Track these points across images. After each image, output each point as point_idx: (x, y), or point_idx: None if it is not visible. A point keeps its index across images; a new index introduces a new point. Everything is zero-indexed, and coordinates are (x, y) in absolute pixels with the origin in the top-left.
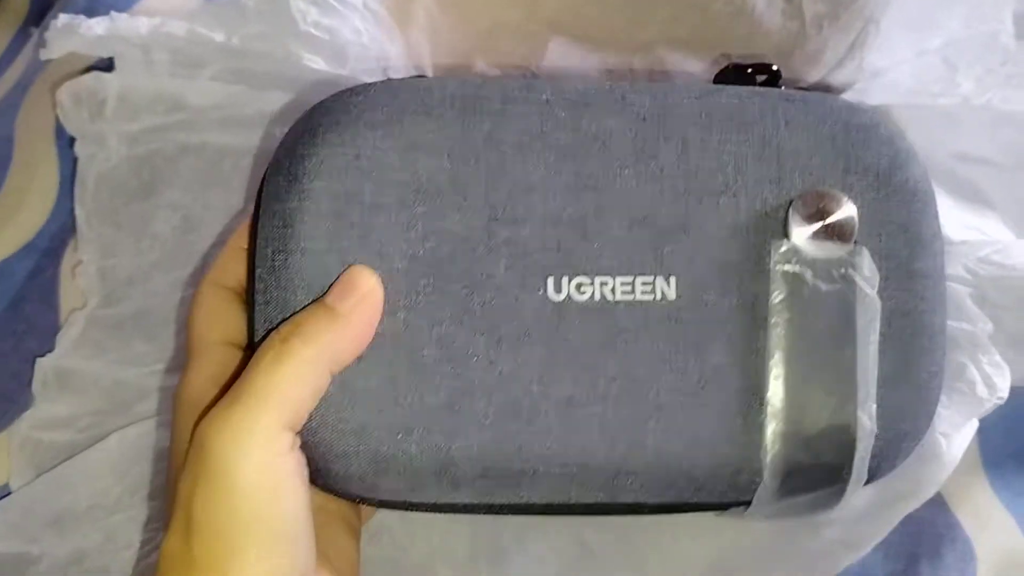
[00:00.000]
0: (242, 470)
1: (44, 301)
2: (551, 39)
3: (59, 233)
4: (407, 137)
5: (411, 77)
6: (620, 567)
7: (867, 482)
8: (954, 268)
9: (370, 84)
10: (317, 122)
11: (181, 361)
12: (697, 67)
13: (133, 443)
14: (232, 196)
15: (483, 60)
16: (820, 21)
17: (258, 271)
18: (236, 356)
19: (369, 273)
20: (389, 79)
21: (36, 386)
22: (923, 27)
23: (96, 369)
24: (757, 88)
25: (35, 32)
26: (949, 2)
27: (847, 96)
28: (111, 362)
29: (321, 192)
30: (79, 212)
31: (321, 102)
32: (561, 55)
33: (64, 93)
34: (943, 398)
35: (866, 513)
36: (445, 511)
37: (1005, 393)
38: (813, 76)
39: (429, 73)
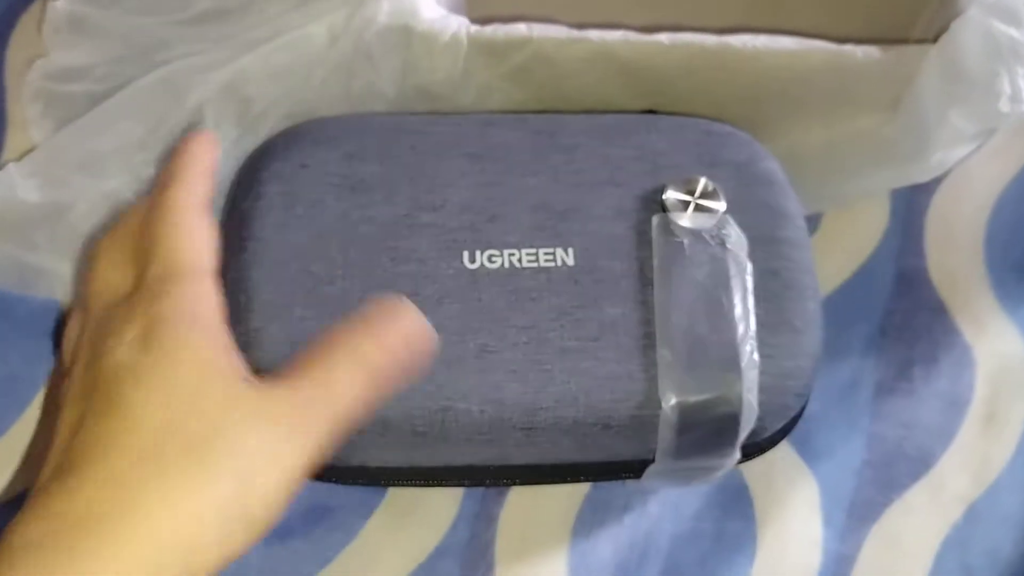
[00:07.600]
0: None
1: None
2: None
3: None
4: (345, 149)
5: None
6: None
7: (760, 420)
8: None
9: (321, 119)
10: (273, 143)
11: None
12: None
13: (152, 88)
14: None
15: None
16: None
17: (226, 255)
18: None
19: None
20: (339, 115)
21: (48, 33)
22: None
23: (113, 17)
24: (632, 113)
25: None
26: None
27: None
28: (128, 11)
29: (273, 193)
30: None
31: (279, 133)
32: None
33: None
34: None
35: None
36: (389, 483)
37: None
38: None
39: None
